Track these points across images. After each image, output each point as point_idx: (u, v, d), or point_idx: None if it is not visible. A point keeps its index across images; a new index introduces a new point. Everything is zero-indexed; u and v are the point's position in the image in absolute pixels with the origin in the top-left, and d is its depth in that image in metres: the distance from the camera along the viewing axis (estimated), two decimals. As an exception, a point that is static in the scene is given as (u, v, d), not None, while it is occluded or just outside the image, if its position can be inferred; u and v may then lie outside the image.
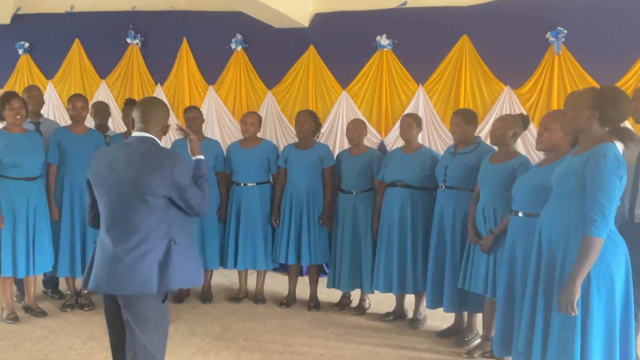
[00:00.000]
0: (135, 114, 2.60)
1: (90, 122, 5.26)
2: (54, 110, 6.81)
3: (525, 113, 5.10)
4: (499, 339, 3.26)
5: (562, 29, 5.12)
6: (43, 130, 4.70)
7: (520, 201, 3.20)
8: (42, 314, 4.45)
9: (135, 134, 2.59)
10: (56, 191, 4.48)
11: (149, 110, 2.58)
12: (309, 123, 4.66)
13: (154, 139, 2.57)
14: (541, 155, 4.42)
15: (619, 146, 2.58)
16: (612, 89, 2.61)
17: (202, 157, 2.74)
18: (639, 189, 3.16)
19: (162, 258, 2.45)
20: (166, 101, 6.38)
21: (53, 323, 4.33)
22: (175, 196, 2.48)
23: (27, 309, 4.47)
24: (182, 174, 2.49)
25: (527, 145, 5.17)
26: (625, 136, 2.56)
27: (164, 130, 2.64)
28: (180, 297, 4.87)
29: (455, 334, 4.14)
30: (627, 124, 4.15)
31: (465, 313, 4.13)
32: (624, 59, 4.99)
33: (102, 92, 6.65)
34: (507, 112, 5.05)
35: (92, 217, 2.66)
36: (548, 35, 5.17)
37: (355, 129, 4.58)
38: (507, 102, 5.32)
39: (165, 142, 5.70)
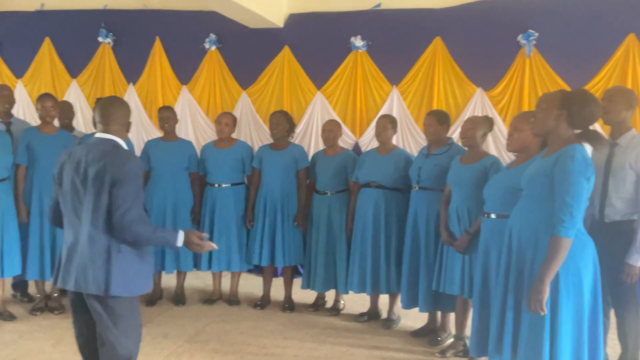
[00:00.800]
0: (95, 115, 2.63)
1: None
2: (24, 110, 6.67)
3: (496, 114, 5.20)
4: (475, 340, 3.28)
5: (534, 31, 5.19)
6: (14, 130, 4.61)
7: (492, 203, 3.24)
8: (11, 317, 4.36)
9: (97, 135, 2.61)
10: (25, 192, 4.39)
11: (107, 111, 2.59)
12: (282, 124, 4.65)
13: (115, 140, 2.58)
14: (512, 155, 4.48)
15: (588, 148, 2.63)
16: (581, 92, 2.66)
17: (180, 239, 2.58)
18: (609, 190, 3.22)
19: (108, 262, 2.47)
20: (139, 101, 6.33)
21: (22, 327, 4.25)
22: (114, 191, 2.44)
23: (-5, 313, 4.39)
24: (130, 171, 2.47)
25: (498, 146, 5.24)
26: (594, 139, 2.61)
27: (125, 128, 2.64)
28: (153, 299, 4.82)
29: (429, 334, 4.17)
30: (597, 126, 4.23)
31: (439, 313, 4.16)
32: (594, 61, 5.09)
33: (73, 92, 6.55)
34: (479, 114, 5.11)
35: (53, 211, 2.68)
36: (519, 37, 5.25)
37: (331, 130, 4.58)
38: (479, 103, 5.38)
39: (139, 142, 5.65)
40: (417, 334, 4.23)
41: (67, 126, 4.97)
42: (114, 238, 2.48)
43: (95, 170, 2.46)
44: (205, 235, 2.67)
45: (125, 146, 2.62)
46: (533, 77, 5.26)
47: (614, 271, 3.14)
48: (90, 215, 2.47)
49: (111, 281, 2.45)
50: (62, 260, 2.58)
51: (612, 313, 3.35)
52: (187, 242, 2.59)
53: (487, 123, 3.76)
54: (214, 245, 2.67)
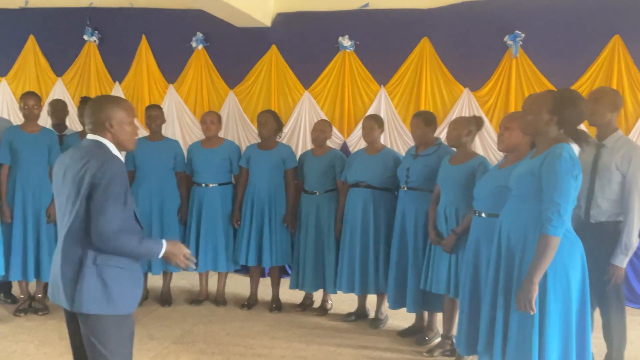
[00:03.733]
0: (85, 116, 2.42)
1: (46, 121, 5.12)
2: (8, 108, 6.61)
3: (483, 115, 5.21)
4: (464, 339, 3.29)
5: (520, 32, 5.22)
6: (-6, 128, 4.55)
7: (482, 202, 3.24)
8: (-6, 319, 4.31)
9: (88, 136, 2.42)
10: (8, 192, 4.33)
11: (92, 111, 2.39)
12: (270, 123, 4.63)
13: (102, 141, 2.36)
14: (499, 155, 4.50)
15: (575, 148, 2.64)
16: (570, 93, 2.66)
17: (162, 250, 2.37)
18: (595, 190, 3.24)
19: (79, 277, 2.25)
20: (125, 100, 6.26)
21: (5, 328, 4.19)
22: (93, 197, 2.21)
23: (-22, 315, 4.33)
24: (106, 174, 2.21)
25: (485, 147, 5.26)
26: (580, 138, 2.63)
27: (113, 129, 2.37)
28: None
29: (416, 333, 4.18)
30: (582, 125, 4.25)
31: (426, 312, 4.17)
32: (580, 62, 5.12)
33: (58, 90, 6.48)
34: (467, 114, 5.12)
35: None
36: (506, 38, 5.27)
37: (323, 130, 4.57)
38: (467, 104, 5.40)
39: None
40: (405, 333, 4.23)
41: (60, 125, 4.91)
42: (90, 248, 2.24)
43: (72, 175, 2.29)
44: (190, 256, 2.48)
45: (112, 148, 2.37)
46: (520, 77, 5.29)
47: (600, 271, 3.16)
48: (66, 224, 2.29)
49: (82, 297, 2.23)
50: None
51: (597, 313, 3.38)
52: (168, 254, 2.39)
53: (474, 123, 3.77)
54: (193, 265, 2.50)
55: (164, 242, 2.38)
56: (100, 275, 2.26)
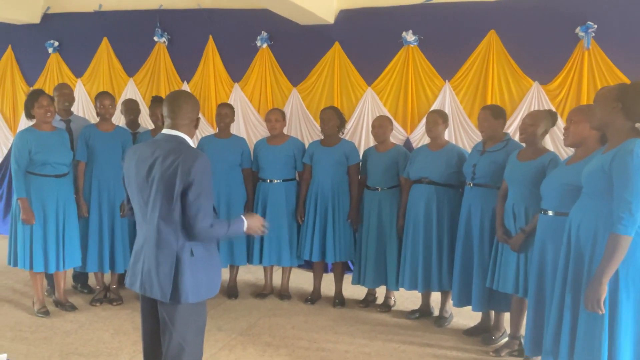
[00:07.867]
0: (163, 110, 2.52)
1: (119, 120, 5.33)
2: (84, 108, 6.91)
3: (554, 109, 5.04)
4: (530, 339, 3.23)
5: (592, 23, 5.01)
6: (74, 127, 4.78)
7: (550, 200, 3.15)
8: (72, 308, 4.53)
9: (164, 131, 2.50)
10: (84, 188, 4.55)
11: (175, 105, 2.47)
12: (333, 120, 4.66)
13: (182, 137, 2.47)
14: (570, 151, 4.35)
15: None
16: (638, 84, 2.56)
17: (245, 226, 2.56)
18: None
19: (176, 268, 2.39)
20: (192, 99, 6.44)
21: (82, 317, 4.41)
22: (187, 194, 2.34)
23: (58, 304, 4.56)
24: (199, 172, 2.34)
25: (555, 141, 5.09)
26: None
27: (194, 124, 2.53)
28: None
29: (482, 333, 4.11)
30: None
31: (493, 311, 4.09)
32: (656, 54, 4.88)
33: (130, 90, 6.73)
34: (536, 109, 4.97)
35: (129, 209, 2.64)
36: (577, 30, 5.07)
37: (381, 126, 4.56)
38: (536, 98, 5.24)
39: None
40: (471, 332, 4.17)
41: (134, 123, 5.11)
42: (186, 242, 2.39)
43: (161, 171, 2.35)
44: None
45: (191, 143, 2.50)
46: (592, 70, 5.08)
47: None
48: (157, 218, 2.37)
49: (181, 288, 2.38)
50: (131, 261, 2.56)
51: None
52: (249, 228, 2.58)
53: (550, 118, 3.65)
54: (266, 230, 2.71)
55: (244, 218, 2.56)
56: (196, 266, 2.43)
